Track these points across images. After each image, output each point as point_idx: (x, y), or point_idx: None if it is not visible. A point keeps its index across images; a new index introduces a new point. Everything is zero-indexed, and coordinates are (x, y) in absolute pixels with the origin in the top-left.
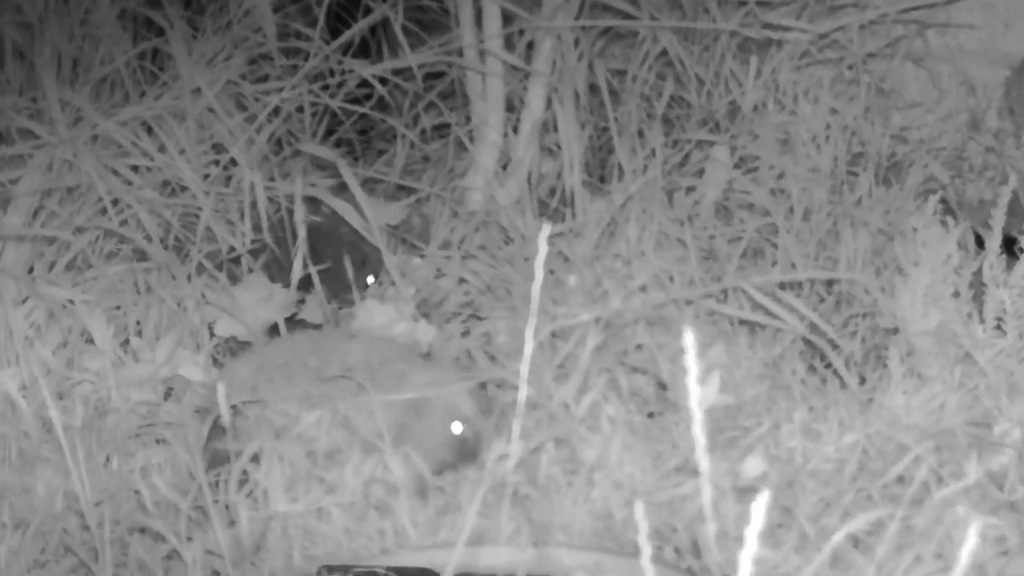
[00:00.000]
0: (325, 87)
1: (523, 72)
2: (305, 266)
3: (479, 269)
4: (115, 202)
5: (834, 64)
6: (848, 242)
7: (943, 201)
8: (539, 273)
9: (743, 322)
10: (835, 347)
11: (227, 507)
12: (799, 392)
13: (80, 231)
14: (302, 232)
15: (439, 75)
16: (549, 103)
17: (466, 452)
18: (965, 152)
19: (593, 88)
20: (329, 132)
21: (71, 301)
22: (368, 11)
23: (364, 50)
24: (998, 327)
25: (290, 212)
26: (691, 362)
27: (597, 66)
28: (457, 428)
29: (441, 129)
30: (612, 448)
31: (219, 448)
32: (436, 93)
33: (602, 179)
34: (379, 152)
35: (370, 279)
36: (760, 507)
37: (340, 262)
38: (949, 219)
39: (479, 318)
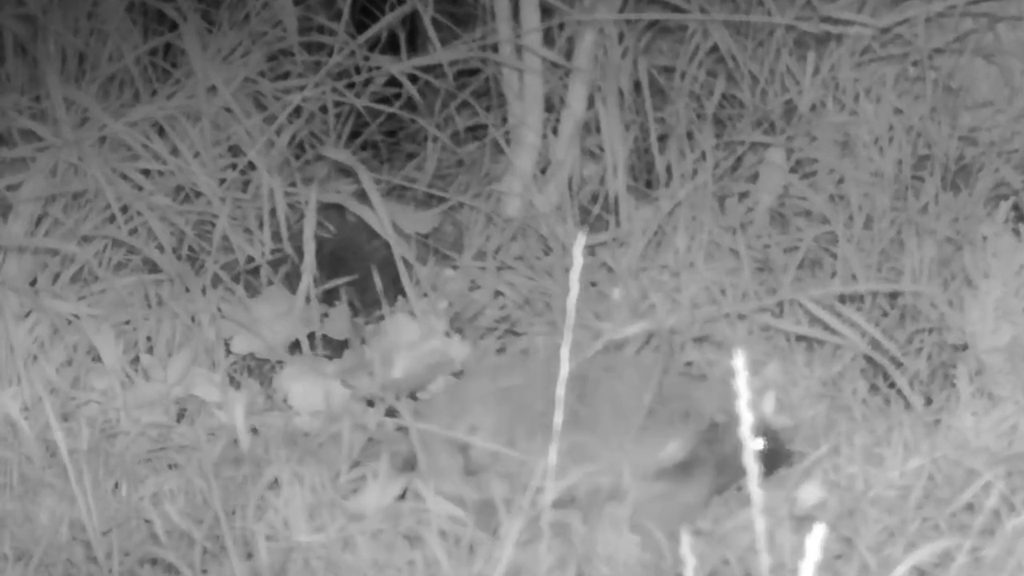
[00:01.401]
0: (350, 85)
1: (563, 69)
2: (328, 279)
3: (516, 281)
4: (124, 209)
5: (898, 60)
6: (913, 252)
7: (1015, 208)
8: (574, 286)
9: (800, 338)
10: (899, 365)
11: (245, 537)
12: (860, 413)
13: (86, 240)
14: (309, 249)
15: (473, 72)
16: (591, 102)
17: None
18: None
19: (638, 86)
20: (355, 134)
21: (77, 316)
22: (397, 3)
23: (392, 45)
24: None
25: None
26: (743, 386)
27: (642, 63)
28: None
29: (475, 131)
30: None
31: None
32: (470, 92)
33: (648, 184)
34: (409, 155)
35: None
36: (816, 540)
37: (367, 273)
38: (1022, 227)
39: (516, 334)
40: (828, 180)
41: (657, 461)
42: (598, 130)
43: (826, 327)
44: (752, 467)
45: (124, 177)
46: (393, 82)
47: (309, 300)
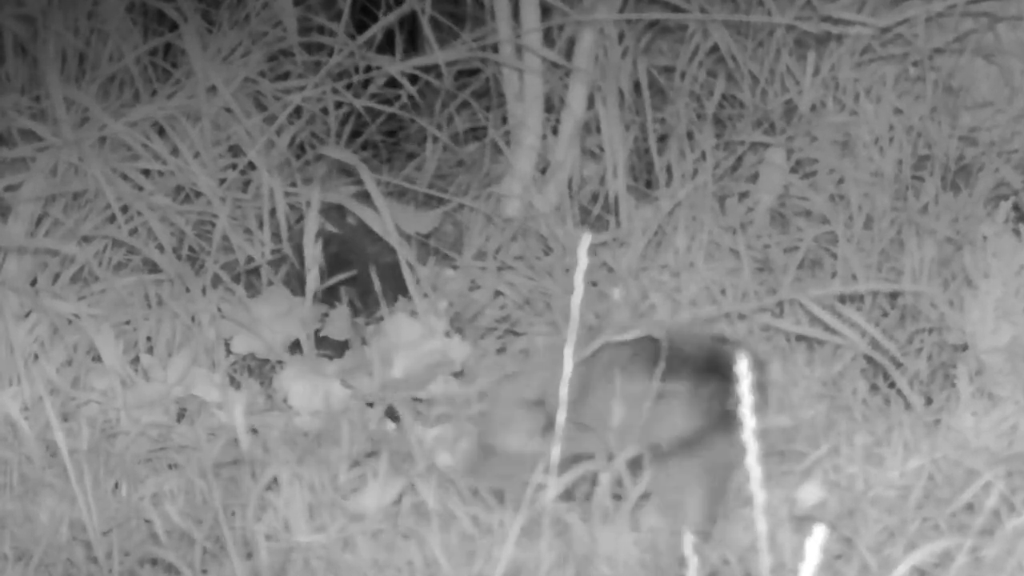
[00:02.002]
0: (349, 86)
1: (563, 69)
2: (329, 277)
3: (516, 281)
4: (124, 209)
5: (898, 60)
6: (913, 252)
7: (1015, 208)
8: (579, 287)
9: (800, 338)
10: (899, 365)
11: (245, 537)
12: (860, 413)
13: (87, 240)
14: (309, 247)
15: (473, 72)
16: (591, 102)
17: None
18: None
19: (638, 86)
20: (355, 134)
21: (77, 316)
22: (396, 3)
23: (393, 46)
24: None
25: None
26: (745, 388)
27: (642, 63)
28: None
29: (476, 131)
30: None
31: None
32: (470, 92)
33: (648, 184)
34: (409, 155)
35: None
36: (816, 542)
37: (368, 273)
38: (1022, 227)
39: (516, 334)
40: (828, 180)
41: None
42: (598, 130)
43: (826, 327)
44: (754, 469)
45: (124, 177)
46: (393, 82)
47: (317, 298)
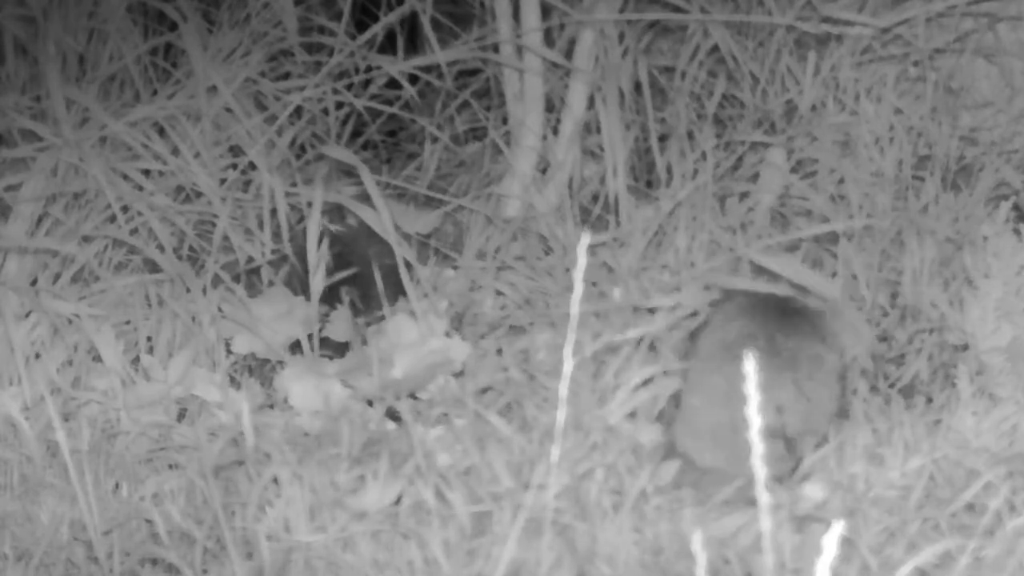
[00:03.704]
0: (350, 86)
1: (563, 69)
2: (329, 277)
3: (516, 281)
4: (125, 209)
5: (898, 60)
6: (913, 252)
7: (1016, 208)
8: (578, 286)
9: None
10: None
11: (246, 537)
12: (862, 413)
13: (87, 240)
14: (312, 249)
15: (473, 73)
16: (591, 103)
17: None
18: None
19: (639, 86)
20: (355, 134)
21: (77, 316)
22: (397, 3)
23: (394, 46)
24: None
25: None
26: (752, 389)
27: (643, 62)
28: None
29: (476, 131)
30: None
31: None
32: (470, 92)
33: (648, 184)
34: (409, 156)
35: None
36: (832, 541)
37: (369, 273)
38: (1022, 227)
39: (517, 330)
40: (829, 180)
41: None
42: (598, 130)
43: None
44: (759, 468)
45: (124, 177)
46: (394, 83)
47: (320, 299)
